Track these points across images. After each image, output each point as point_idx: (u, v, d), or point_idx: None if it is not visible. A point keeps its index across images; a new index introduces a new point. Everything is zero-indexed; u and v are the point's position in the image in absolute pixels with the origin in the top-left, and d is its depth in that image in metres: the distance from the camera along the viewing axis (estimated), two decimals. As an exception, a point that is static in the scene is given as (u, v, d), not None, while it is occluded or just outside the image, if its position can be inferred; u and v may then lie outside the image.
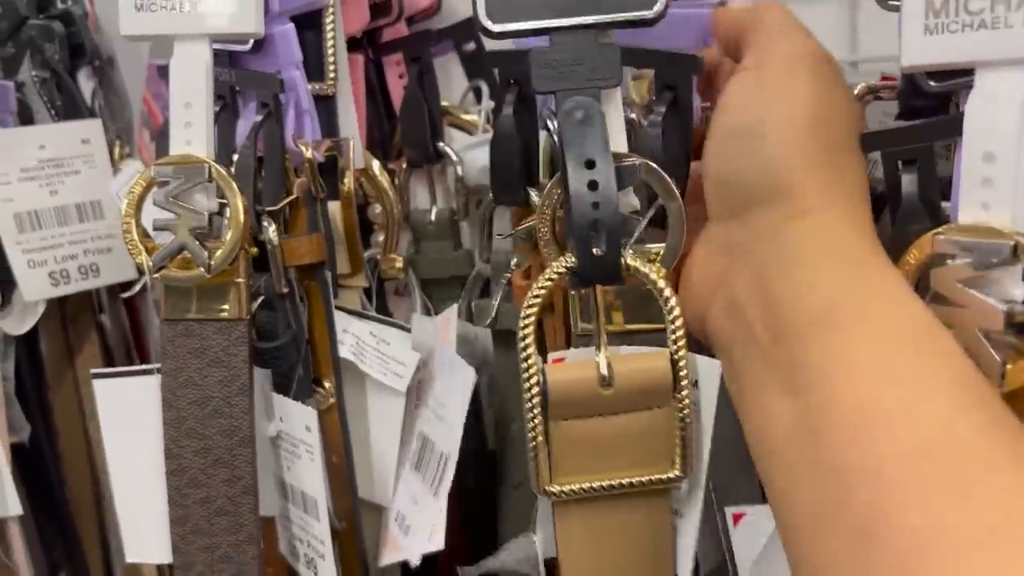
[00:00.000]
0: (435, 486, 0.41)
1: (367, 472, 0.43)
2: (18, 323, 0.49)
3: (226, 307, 0.39)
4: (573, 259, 0.30)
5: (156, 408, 0.40)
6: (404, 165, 0.48)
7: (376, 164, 0.44)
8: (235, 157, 0.40)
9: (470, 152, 0.47)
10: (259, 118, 0.39)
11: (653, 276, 0.30)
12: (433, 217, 0.48)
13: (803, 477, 0.27)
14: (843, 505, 0.25)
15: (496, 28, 0.33)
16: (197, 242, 0.37)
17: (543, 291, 0.31)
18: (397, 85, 0.49)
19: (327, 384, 0.41)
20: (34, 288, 0.49)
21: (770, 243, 0.29)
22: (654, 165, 0.31)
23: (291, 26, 0.38)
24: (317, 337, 0.41)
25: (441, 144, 0.47)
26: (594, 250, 0.30)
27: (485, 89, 0.51)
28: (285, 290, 0.40)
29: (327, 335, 0.41)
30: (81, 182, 0.51)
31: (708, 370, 0.31)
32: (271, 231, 0.39)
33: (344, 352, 0.41)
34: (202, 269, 0.38)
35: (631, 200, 0.33)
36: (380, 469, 0.43)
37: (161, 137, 0.43)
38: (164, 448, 0.40)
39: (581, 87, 0.31)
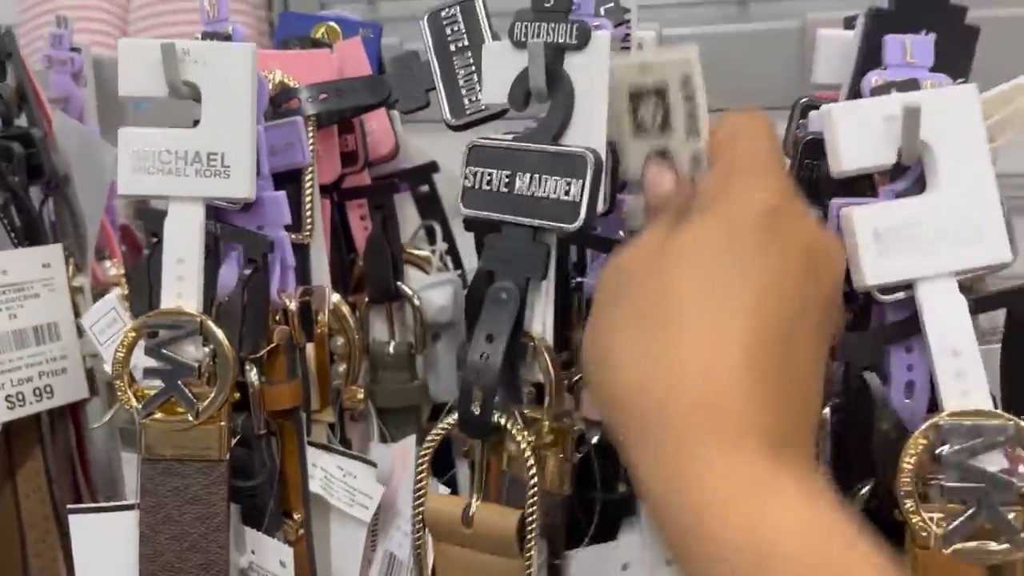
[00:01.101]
0: None
1: (328, 597, 0.47)
2: (-28, 445, 0.50)
3: (207, 448, 0.42)
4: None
5: (131, 542, 0.43)
6: (365, 301, 0.52)
7: (344, 305, 0.49)
8: (218, 302, 0.43)
9: (427, 292, 0.52)
10: (246, 270, 0.43)
11: (519, 439, 0.35)
12: (392, 350, 0.52)
13: None
14: None
15: (466, 212, 0.38)
16: (186, 390, 0.41)
17: (438, 435, 0.38)
18: (359, 226, 0.53)
19: (296, 516, 0.45)
20: (-9, 412, 0.50)
21: (639, 445, 0.27)
22: (541, 348, 0.37)
23: (283, 194, 0.43)
24: (289, 473, 0.45)
25: (401, 284, 0.52)
26: (472, 409, 0.35)
27: (438, 229, 0.56)
28: (263, 431, 0.43)
29: (299, 471, 0.45)
30: (40, 305, 0.53)
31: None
32: (253, 376, 0.43)
33: (314, 486, 0.45)
34: (190, 416, 0.41)
35: (532, 373, 0.38)
36: (341, 595, 0.47)
37: (133, 284, 0.46)
38: (139, 581, 0.42)
39: (513, 273, 0.37)
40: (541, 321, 0.36)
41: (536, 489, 0.34)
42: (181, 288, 0.42)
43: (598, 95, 0.36)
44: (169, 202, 0.42)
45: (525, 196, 0.36)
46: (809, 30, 0.53)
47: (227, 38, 0.44)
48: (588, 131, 0.36)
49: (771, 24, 0.54)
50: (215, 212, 0.44)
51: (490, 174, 0.38)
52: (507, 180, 0.37)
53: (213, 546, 0.42)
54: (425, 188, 0.57)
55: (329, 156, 0.50)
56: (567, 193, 0.35)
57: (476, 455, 0.37)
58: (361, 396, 0.50)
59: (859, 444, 0.39)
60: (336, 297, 0.48)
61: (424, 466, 0.37)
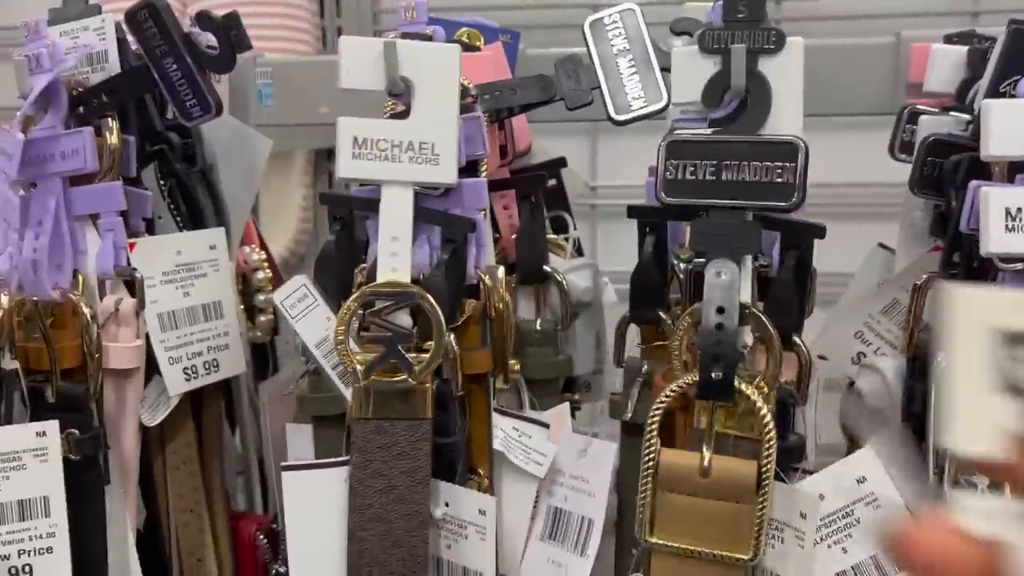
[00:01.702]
0: (579, 549, 0.50)
1: (499, 547, 0.51)
2: (151, 415, 0.54)
3: (414, 407, 0.47)
4: (696, 378, 0.42)
5: (340, 496, 0.47)
6: (514, 282, 0.57)
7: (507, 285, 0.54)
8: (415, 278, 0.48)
9: (570, 275, 0.57)
10: (442, 251, 0.48)
11: (756, 399, 0.42)
12: (538, 327, 0.57)
13: None
14: None
15: (668, 200, 0.44)
16: (405, 354, 0.45)
17: (670, 396, 0.43)
18: (503, 214, 0.58)
19: (481, 471, 0.50)
20: (174, 383, 0.54)
21: None
22: (758, 313, 0.43)
23: (484, 180, 0.48)
24: (475, 432, 0.50)
25: (547, 267, 0.57)
26: (713, 374, 0.41)
27: (569, 219, 0.61)
28: (460, 394, 0.48)
29: (486, 431, 0.49)
30: (207, 284, 0.56)
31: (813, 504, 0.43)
32: (453, 343, 0.47)
33: (496, 444, 0.50)
34: (408, 378, 0.46)
35: (745, 338, 0.44)
36: (511, 545, 0.52)
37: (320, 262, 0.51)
38: (348, 531, 0.47)
39: (726, 253, 0.43)
40: (747, 291, 0.42)
41: (773, 442, 0.40)
42: (395, 263, 0.46)
43: (795, 93, 0.42)
44: (383, 186, 0.47)
45: (734, 182, 0.42)
46: (903, 45, 0.60)
47: (428, 38, 0.49)
48: (786, 124, 0.42)
49: (868, 39, 0.61)
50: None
51: (694, 165, 0.43)
52: (713, 169, 0.43)
53: (417, 497, 0.47)
54: (553, 182, 0.62)
55: (491, 150, 0.55)
56: (779, 176, 0.42)
57: (701, 417, 0.42)
58: (518, 368, 0.55)
59: None
60: (501, 279, 0.53)
61: (654, 425, 0.42)
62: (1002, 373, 0.25)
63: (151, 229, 0.57)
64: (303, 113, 0.71)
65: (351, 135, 0.46)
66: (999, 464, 0.25)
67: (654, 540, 0.43)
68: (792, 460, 0.46)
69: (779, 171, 0.41)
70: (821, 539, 0.43)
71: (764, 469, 0.41)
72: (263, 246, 0.66)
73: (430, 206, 0.48)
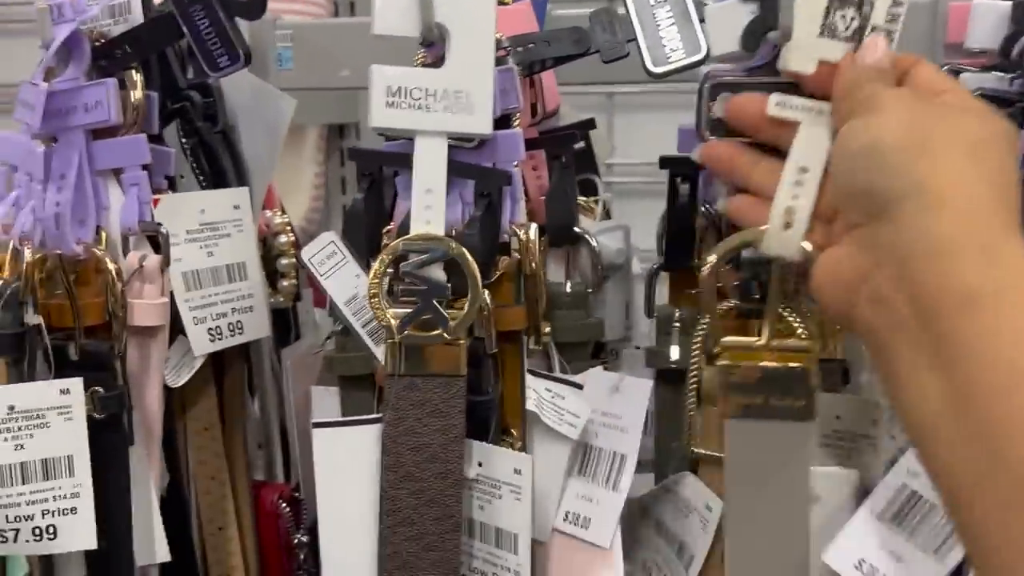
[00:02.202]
0: (611, 484, 0.49)
1: (532, 510, 0.50)
2: (175, 376, 0.53)
3: (447, 365, 0.46)
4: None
5: (372, 454, 0.46)
6: (543, 245, 0.56)
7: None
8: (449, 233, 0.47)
9: (602, 236, 0.56)
10: (475, 205, 0.47)
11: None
12: (569, 289, 0.56)
13: (959, 445, 0.31)
14: (999, 464, 0.29)
15: (710, 138, 0.44)
16: (440, 309, 0.44)
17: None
18: (531, 175, 0.57)
19: (514, 432, 0.49)
20: (199, 343, 0.53)
21: (909, 236, 0.34)
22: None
23: (519, 131, 0.47)
24: (508, 391, 0.49)
25: (578, 228, 0.56)
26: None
27: (599, 182, 0.60)
28: (494, 351, 0.47)
29: (519, 391, 0.49)
30: (231, 244, 0.55)
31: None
32: (488, 300, 0.46)
33: (529, 405, 0.49)
34: (441, 331, 0.45)
35: None
36: (542, 507, 0.51)
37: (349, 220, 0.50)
38: (380, 490, 0.46)
39: None
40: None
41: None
42: (429, 216, 0.45)
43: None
44: (417, 137, 0.46)
45: (775, 119, 0.41)
46: (942, 4, 0.59)
47: (462, -14, 0.48)
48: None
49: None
50: (444, 150, 0.48)
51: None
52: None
53: (452, 456, 0.46)
54: (581, 144, 0.61)
55: (524, 106, 0.54)
56: (820, 113, 0.41)
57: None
58: (548, 330, 0.54)
59: None
60: (534, 238, 0.52)
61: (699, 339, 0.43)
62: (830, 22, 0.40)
63: (173, 189, 0.56)
64: (324, 77, 0.70)
65: (384, 84, 0.45)
66: (813, 78, 0.40)
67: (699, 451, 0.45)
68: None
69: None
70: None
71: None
72: (283, 211, 0.65)
73: (463, 159, 0.47)
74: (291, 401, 0.60)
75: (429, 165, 0.45)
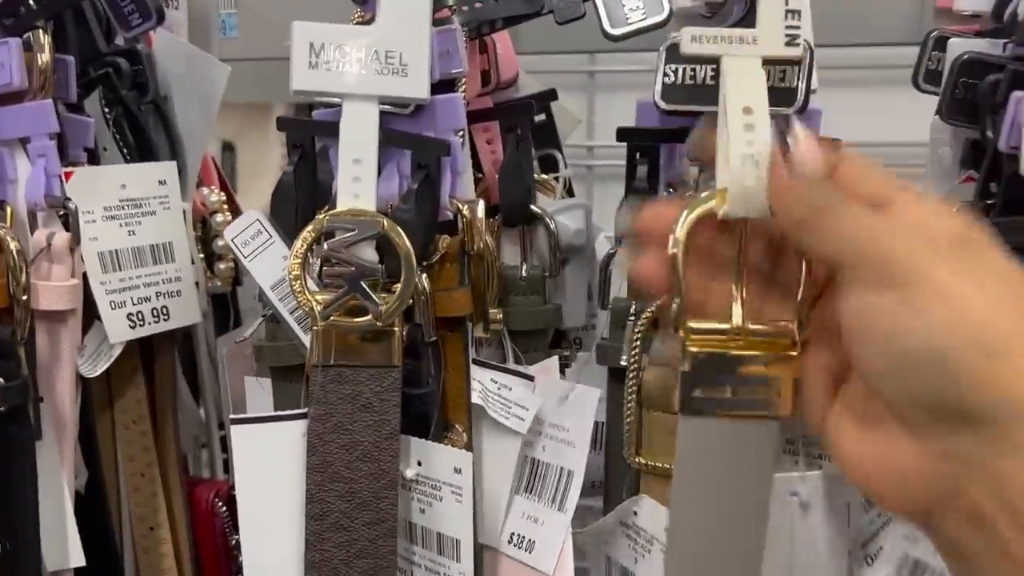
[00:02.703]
0: (557, 503, 0.45)
1: (477, 510, 0.46)
2: (91, 366, 0.48)
3: (380, 354, 0.41)
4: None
5: (296, 453, 0.42)
6: (497, 224, 0.52)
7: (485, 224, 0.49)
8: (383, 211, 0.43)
9: (560, 216, 0.52)
10: (412, 178, 0.43)
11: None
12: (525, 273, 0.52)
13: None
14: None
15: (666, 107, 0.40)
16: (370, 292, 0.40)
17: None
18: (486, 149, 0.53)
19: (458, 427, 0.45)
20: (116, 330, 0.48)
21: (1004, 451, 0.28)
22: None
23: (459, 95, 0.42)
24: (451, 383, 0.45)
25: (535, 207, 0.52)
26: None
27: (560, 157, 0.56)
28: (432, 339, 0.43)
29: (463, 382, 0.44)
30: (156, 223, 0.51)
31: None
32: (425, 282, 0.42)
33: (474, 398, 0.45)
34: (370, 317, 0.40)
35: None
36: (491, 509, 0.47)
37: (277, 196, 0.46)
38: (306, 492, 0.42)
39: None
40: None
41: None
42: (358, 189, 0.41)
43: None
44: (344, 101, 0.41)
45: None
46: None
47: (397, -62, 0.43)
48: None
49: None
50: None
51: (693, 69, 0.38)
52: (712, 72, 0.38)
53: (384, 455, 0.42)
54: (541, 117, 0.57)
55: (471, 72, 0.49)
56: (782, 80, 0.37)
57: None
58: (500, 317, 0.50)
59: None
60: (481, 215, 0.48)
61: (637, 343, 0.38)
62: None
63: (95, 162, 0.52)
64: (273, 47, 0.65)
65: (306, 42, 0.41)
66: None
67: (640, 461, 0.40)
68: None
69: (782, 75, 0.36)
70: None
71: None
72: (224, 187, 0.61)
73: (399, 127, 0.43)
74: (228, 393, 0.56)
75: (357, 133, 0.41)
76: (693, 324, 0.33)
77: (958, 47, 0.48)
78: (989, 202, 0.42)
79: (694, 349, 0.33)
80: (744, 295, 0.33)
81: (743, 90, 0.32)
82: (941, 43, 0.51)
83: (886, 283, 0.29)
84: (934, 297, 0.28)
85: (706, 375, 0.33)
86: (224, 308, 0.60)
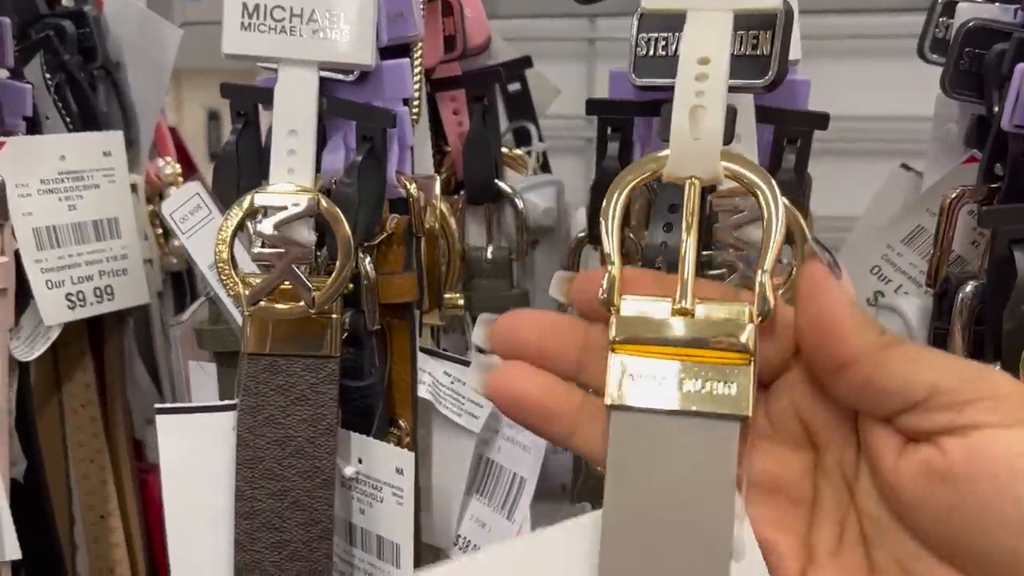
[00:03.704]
0: (507, 510, 0.42)
1: (428, 512, 0.44)
2: (27, 349, 0.46)
3: (317, 343, 0.38)
4: None
5: (226, 447, 0.39)
6: (461, 202, 0.49)
7: (444, 203, 0.45)
8: (326, 188, 0.40)
9: (529, 193, 0.49)
10: (355, 152, 0.39)
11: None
12: (490, 255, 0.49)
13: None
14: None
15: (641, 82, 0.36)
16: (302, 274, 0.37)
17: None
18: (452, 120, 0.50)
19: (403, 423, 0.42)
20: (52, 311, 0.46)
21: None
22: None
23: (406, 61, 0.39)
24: (397, 375, 0.41)
25: (502, 184, 0.48)
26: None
27: (534, 130, 0.52)
28: (376, 327, 0.40)
29: (408, 374, 0.41)
30: (100, 197, 0.48)
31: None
32: (368, 266, 0.39)
33: (422, 392, 0.42)
34: (303, 303, 0.37)
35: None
36: (443, 511, 0.44)
37: (219, 168, 0.43)
38: (236, 489, 0.39)
39: None
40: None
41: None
42: (293, 163, 0.38)
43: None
44: (280, 67, 0.38)
45: (708, 55, 0.33)
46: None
47: None
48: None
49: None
50: (320, 86, 0.40)
51: (665, 38, 0.35)
52: (685, 41, 0.34)
53: (320, 451, 0.39)
54: (516, 86, 0.53)
55: (431, 37, 0.46)
56: (754, 48, 0.33)
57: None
58: (461, 302, 0.47)
59: (995, 320, 0.36)
60: (437, 193, 0.45)
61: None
62: None
63: (35, 132, 0.49)
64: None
65: (239, 1, 0.37)
66: None
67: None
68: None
69: (755, 41, 0.32)
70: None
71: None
72: (184, 158, 0.58)
73: (343, 96, 0.40)
74: (182, 377, 0.53)
75: (293, 101, 0.38)
76: (627, 298, 0.28)
77: (966, 12, 0.44)
78: (994, 185, 0.38)
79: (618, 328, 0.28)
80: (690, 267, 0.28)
81: (702, 40, 0.28)
82: (950, 8, 0.46)
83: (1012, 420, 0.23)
84: None
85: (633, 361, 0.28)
86: (181, 287, 0.58)
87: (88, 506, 0.54)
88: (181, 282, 0.57)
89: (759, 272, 0.27)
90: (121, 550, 0.54)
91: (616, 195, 0.29)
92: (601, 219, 0.29)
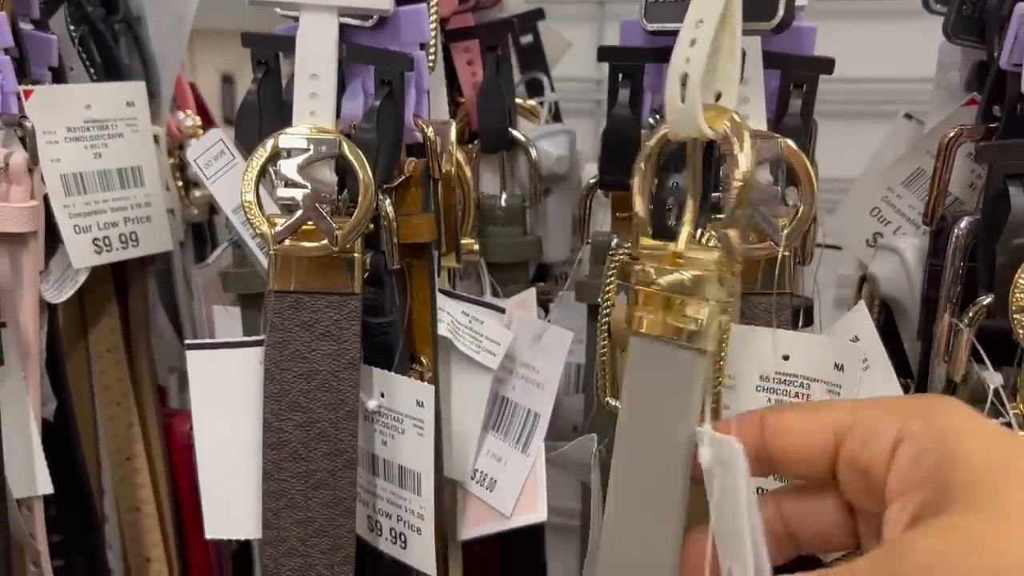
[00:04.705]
0: (521, 444, 0.44)
1: (447, 447, 0.45)
2: (56, 291, 0.48)
3: (339, 281, 0.40)
4: None
5: (254, 380, 0.41)
6: (476, 151, 0.50)
7: (459, 150, 0.47)
8: (345, 132, 0.41)
9: (542, 142, 0.50)
10: (374, 97, 0.41)
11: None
12: (504, 203, 0.50)
13: None
14: None
15: (650, 27, 0.37)
16: (325, 213, 0.39)
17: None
18: (466, 71, 0.51)
19: (424, 360, 0.43)
20: (80, 255, 0.48)
21: None
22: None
23: (423, 6, 0.40)
24: (417, 314, 0.43)
25: (515, 132, 0.50)
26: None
27: (546, 81, 0.54)
28: (396, 267, 0.42)
29: (428, 313, 0.43)
30: (124, 146, 0.50)
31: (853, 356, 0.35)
32: (388, 207, 0.41)
33: (441, 330, 0.43)
34: (326, 242, 0.39)
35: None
36: (461, 445, 0.46)
37: (241, 116, 0.44)
38: (263, 421, 0.41)
39: None
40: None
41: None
42: (315, 106, 0.40)
43: None
44: (302, 12, 0.39)
45: None
46: None
47: None
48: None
49: None
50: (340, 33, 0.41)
51: (669, -20, 0.36)
52: (692, -17, 0.35)
53: (344, 384, 0.41)
54: (528, 38, 0.54)
55: (448, -14, 0.47)
56: (764, -12, 0.34)
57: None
58: (476, 248, 0.48)
59: (989, 253, 0.38)
60: (453, 138, 0.46)
61: (611, 283, 0.36)
62: None
63: (61, 83, 0.50)
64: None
65: (262, -52, 0.39)
66: None
67: (613, 402, 0.38)
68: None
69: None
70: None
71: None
72: (203, 113, 0.59)
73: (362, 42, 0.41)
74: (204, 323, 0.55)
75: (314, 46, 0.39)
76: (643, 242, 0.31)
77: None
78: (992, 125, 0.40)
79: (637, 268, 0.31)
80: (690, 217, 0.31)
81: (700, 1, 0.30)
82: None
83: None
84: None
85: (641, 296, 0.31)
86: (202, 238, 0.59)
87: (115, 448, 0.56)
88: (201, 233, 0.59)
89: (724, 224, 0.30)
90: (147, 490, 0.56)
91: (644, 156, 0.31)
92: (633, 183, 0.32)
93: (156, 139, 0.54)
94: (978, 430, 0.26)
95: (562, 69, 0.61)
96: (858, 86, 0.82)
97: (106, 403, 0.55)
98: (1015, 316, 0.35)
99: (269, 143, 0.39)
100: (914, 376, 0.44)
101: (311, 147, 0.39)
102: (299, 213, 0.39)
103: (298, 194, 0.39)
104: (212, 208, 0.59)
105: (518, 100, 0.53)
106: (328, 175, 0.40)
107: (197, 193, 0.57)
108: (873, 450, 0.27)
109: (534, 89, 0.55)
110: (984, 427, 0.26)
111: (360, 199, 0.39)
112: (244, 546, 0.61)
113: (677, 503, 0.30)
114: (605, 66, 0.42)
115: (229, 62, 1.08)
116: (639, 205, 0.33)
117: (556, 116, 0.56)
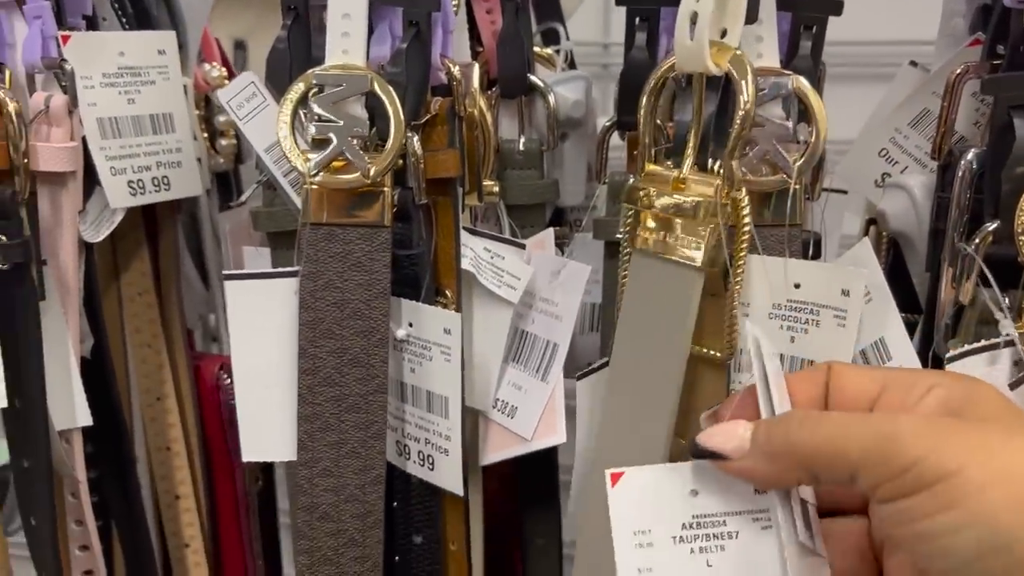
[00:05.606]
0: (541, 373, 0.46)
1: (469, 378, 0.48)
2: (94, 231, 0.50)
3: (370, 214, 0.42)
4: None
5: (289, 309, 0.43)
6: (495, 97, 0.52)
7: (481, 95, 0.49)
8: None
9: (559, 87, 0.52)
10: (401, 39, 0.43)
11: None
12: (522, 146, 0.52)
13: None
14: None
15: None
16: (358, 148, 0.41)
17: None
18: (485, 20, 0.53)
19: (448, 293, 0.46)
20: (117, 195, 0.50)
21: None
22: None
23: (448, -52, 0.42)
24: (442, 248, 0.45)
25: (533, 77, 0.52)
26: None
27: (562, 30, 0.56)
28: (423, 202, 0.44)
29: (452, 247, 0.45)
30: (156, 93, 0.52)
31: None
32: (415, 143, 0.43)
33: (464, 264, 0.46)
34: (359, 174, 0.41)
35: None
36: (483, 376, 0.48)
37: (271, 60, 0.46)
38: (299, 348, 0.43)
39: None
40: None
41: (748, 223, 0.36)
42: (347, 44, 0.41)
43: None
44: (334, -46, 0.41)
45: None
46: None
47: None
48: None
49: None
50: (369, -24, 0.43)
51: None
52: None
53: (375, 312, 0.43)
54: (546, -11, 0.56)
55: (469, -65, 0.49)
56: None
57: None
58: (496, 190, 0.50)
59: (994, 181, 0.40)
60: (476, 79, 0.48)
61: (631, 214, 0.38)
62: None
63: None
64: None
65: None
66: None
67: None
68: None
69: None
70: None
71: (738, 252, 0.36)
72: (226, 64, 0.61)
73: (390, -15, 0.43)
74: (231, 267, 0.57)
75: (347, -13, 0.41)
76: (648, 168, 0.34)
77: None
78: (996, 62, 0.42)
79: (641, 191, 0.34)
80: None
81: None
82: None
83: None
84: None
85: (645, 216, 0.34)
86: (228, 187, 0.61)
87: (145, 388, 0.58)
88: (227, 182, 0.61)
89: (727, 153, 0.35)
90: (177, 430, 0.59)
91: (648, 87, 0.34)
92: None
93: (184, 89, 0.56)
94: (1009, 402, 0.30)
95: (570, 33, 0.63)
96: (865, 48, 0.83)
97: (137, 344, 0.58)
98: (1020, 238, 0.37)
99: (303, 79, 0.41)
100: (923, 310, 0.46)
101: (344, 83, 0.41)
102: (333, 145, 0.41)
103: (331, 129, 0.41)
104: (237, 158, 0.60)
105: (535, 48, 0.54)
106: (360, 111, 0.42)
107: (223, 142, 0.59)
108: (910, 394, 0.31)
109: (550, 39, 0.57)
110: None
111: (393, 133, 0.41)
112: (268, 485, 0.64)
113: (671, 401, 0.33)
114: (612, 30, 0.45)
115: (242, 29, 1.10)
116: (644, 133, 0.36)
117: (571, 65, 0.57)
